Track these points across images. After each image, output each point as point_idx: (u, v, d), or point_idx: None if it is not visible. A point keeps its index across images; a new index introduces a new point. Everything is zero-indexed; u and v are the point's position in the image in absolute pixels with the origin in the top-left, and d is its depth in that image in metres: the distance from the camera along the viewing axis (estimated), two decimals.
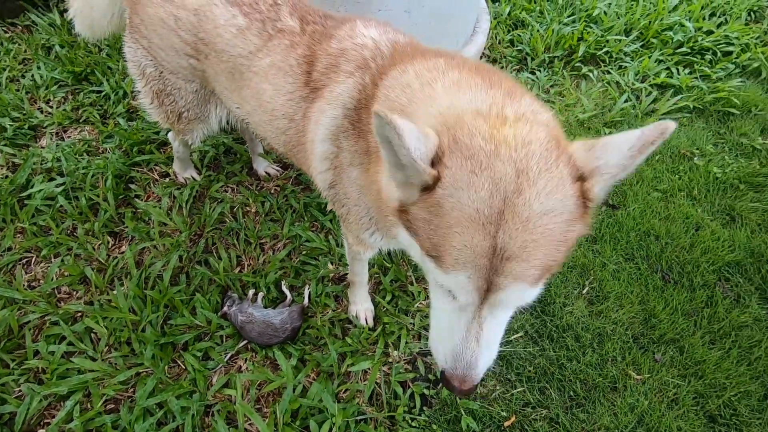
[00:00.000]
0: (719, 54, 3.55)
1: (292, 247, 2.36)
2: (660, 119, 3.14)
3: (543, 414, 1.86)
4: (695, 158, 2.86)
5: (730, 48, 3.54)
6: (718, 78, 3.37)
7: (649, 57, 3.45)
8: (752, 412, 1.86)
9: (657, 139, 0.83)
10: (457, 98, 1.01)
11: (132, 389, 1.88)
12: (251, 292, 2.15)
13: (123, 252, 2.29)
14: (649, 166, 2.81)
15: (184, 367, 1.96)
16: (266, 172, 2.69)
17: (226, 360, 1.98)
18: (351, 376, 1.98)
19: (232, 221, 2.44)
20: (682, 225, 2.47)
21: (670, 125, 0.83)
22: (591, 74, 3.44)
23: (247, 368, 1.97)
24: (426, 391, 1.92)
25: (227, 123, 2.03)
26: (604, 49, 3.55)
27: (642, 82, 3.37)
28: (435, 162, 0.89)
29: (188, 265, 2.25)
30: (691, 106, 3.19)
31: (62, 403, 1.80)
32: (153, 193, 2.56)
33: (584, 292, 2.22)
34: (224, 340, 2.05)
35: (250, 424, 1.82)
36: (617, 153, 0.86)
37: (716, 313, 2.13)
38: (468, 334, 0.94)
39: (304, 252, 2.34)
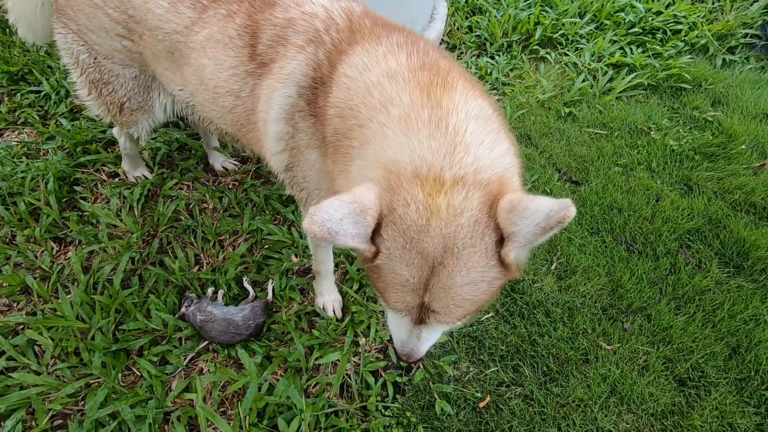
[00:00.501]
0: (669, 33, 3.65)
1: (254, 242, 2.26)
2: (617, 97, 3.19)
3: (517, 392, 1.83)
4: (652, 132, 2.92)
5: (679, 27, 3.64)
6: (669, 56, 3.47)
7: (603, 38, 3.52)
8: (719, 372, 1.89)
9: (557, 225, 0.83)
10: (400, 148, 0.97)
11: (82, 401, 1.74)
12: (210, 290, 2.04)
13: (69, 258, 2.14)
14: (609, 142, 2.84)
15: (139, 374, 1.83)
16: (223, 167, 2.58)
17: (185, 363, 1.87)
18: (320, 369, 1.90)
19: (188, 219, 2.32)
20: (643, 197, 2.50)
21: (569, 213, 0.81)
22: (549, 57, 3.47)
23: (208, 370, 1.86)
24: (399, 379, 1.86)
25: (173, 112, 1.91)
26: (560, 32, 3.59)
27: (598, 62, 3.42)
28: (375, 230, 0.93)
29: (141, 267, 2.11)
30: (646, 84, 3.26)
31: (2, 423, 1.64)
32: (101, 194, 2.40)
33: (552, 268, 2.21)
34: (183, 342, 1.94)
35: (214, 429, 1.72)
36: (529, 225, 0.86)
37: (680, 280, 2.16)
38: (411, 334, 1.12)
39: (266, 246, 2.25)
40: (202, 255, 2.23)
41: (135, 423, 1.65)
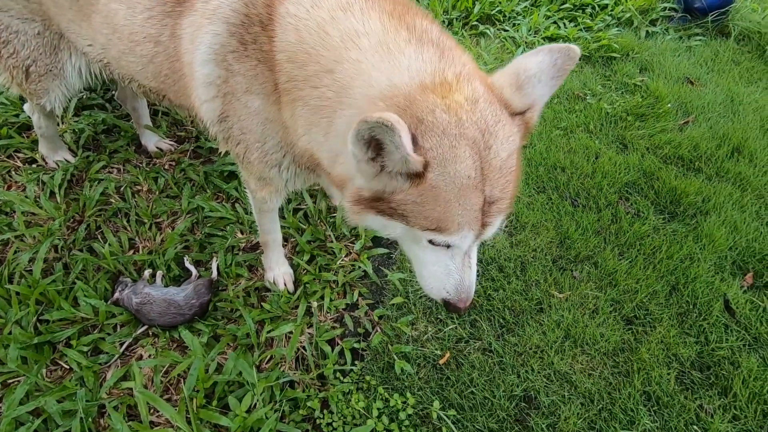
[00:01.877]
0: (597, 8, 3.84)
1: (194, 221, 2.12)
2: None
3: (476, 345, 1.83)
4: (587, 98, 3.04)
5: (606, 2, 3.84)
6: (598, 29, 3.64)
7: (538, 14, 3.64)
8: (661, 309, 1.98)
9: (569, 65, 0.99)
10: (393, 71, 0.99)
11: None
12: (147, 272, 1.88)
13: None
14: (549, 108, 2.93)
15: (68, 366, 1.65)
16: (158, 148, 2.40)
17: (121, 351, 1.70)
18: (273, 343, 1.80)
19: (120, 201, 2.14)
20: (584, 155, 2.59)
21: (574, 50, 0.98)
22: (488, 32, 3.54)
23: (149, 355, 1.71)
24: (356, 345, 1.80)
25: (90, 75, 1.73)
26: (498, 9, 3.68)
27: (534, 36, 3.53)
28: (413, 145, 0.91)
29: (66, 255, 1.91)
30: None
31: None
32: (15, 182, 2.16)
33: (503, 227, 2.23)
34: (118, 329, 1.77)
35: (158, 416, 1.58)
36: (542, 86, 1.00)
37: (621, 228, 2.25)
38: (463, 267, 1.10)
39: (208, 224, 2.11)
40: (137, 239, 2.05)
41: (62, 418, 1.48)
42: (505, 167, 0.98)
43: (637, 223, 2.27)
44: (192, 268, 1.93)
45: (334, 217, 2.20)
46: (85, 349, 1.67)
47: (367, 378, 1.69)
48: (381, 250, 2.11)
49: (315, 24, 1.06)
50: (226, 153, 1.65)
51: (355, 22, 1.03)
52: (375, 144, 0.90)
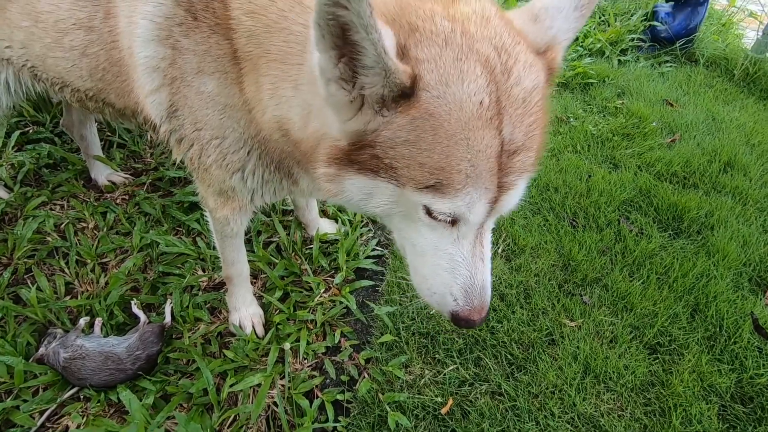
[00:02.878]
0: None
1: (147, 259, 1.82)
2: None
3: (483, 388, 1.53)
4: (571, 120, 2.97)
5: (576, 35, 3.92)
6: (572, 59, 3.67)
7: None
8: (686, 333, 1.74)
9: None
10: None
11: None
12: (82, 320, 1.56)
13: None
14: None
15: None
16: (110, 181, 2.14)
17: (39, 423, 1.34)
18: (238, 400, 1.47)
19: (58, 240, 1.83)
20: (575, 175, 2.45)
21: None
22: None
23: (77, 426, 1.35)
24: (340, 397, 1.48)
25: (23, 90, 1.49)
26: None
27: None
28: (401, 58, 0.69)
29: None
30: (557, 82, 3.38)
31: None
32: None
33: (500, 250, 2.01)
34: (38, 393, 1.41)
35: None
36: (565, 17, 0.81)
37: (627, 247, 2.06)
38: (473, 259, 0.84)
39: (164, 262, 1.82)
40: (76, 282, 1.74)
41: None
42: (530, 101, 0.74)
43: (643, 241, 2.09)
44: (140, 313, 1.62)
45: (311, 248, 1.94)
46: None
47: None
48: (365, 282, 1.84)
49: None
50: (188, 182, 1.40)
51: None
52: (348, 50, 0.65)
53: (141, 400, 1.38)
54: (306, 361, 1.61)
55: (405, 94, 0.69)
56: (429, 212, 0.79)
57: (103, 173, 2.13)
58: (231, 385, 1.45)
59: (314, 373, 1.57)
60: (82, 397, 1.42)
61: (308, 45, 0.70)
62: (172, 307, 1.66)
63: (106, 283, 1.73)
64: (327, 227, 2.00)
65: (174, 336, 1.61)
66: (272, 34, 0.90)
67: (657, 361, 1.66)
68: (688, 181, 2.52)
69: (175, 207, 2.03)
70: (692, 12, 3.72)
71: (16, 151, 2.19)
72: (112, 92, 1.20)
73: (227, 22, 0.92)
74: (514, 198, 0.80)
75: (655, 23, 3.91)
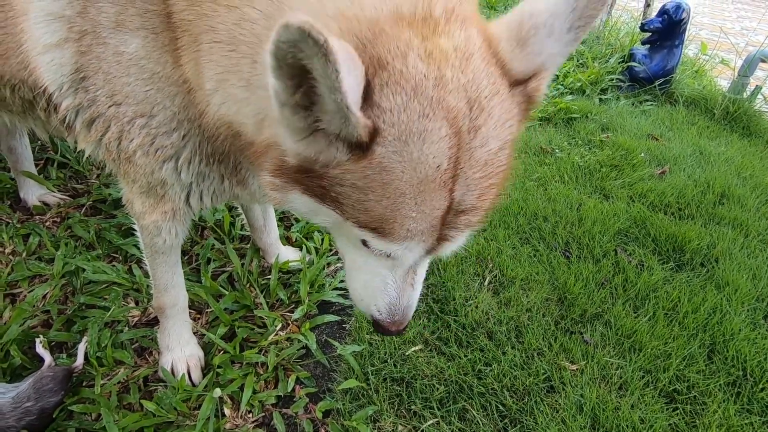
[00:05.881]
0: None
1: (68, 289, 1.52)
2: None
3: None
4: (557, 152, 2.85)
5: (556, 73, 3.94)
6: (552, 96, 3.65)
7: None
8: (705, 378, 1.48)
9: (595, 10, 0.67)
10: None
11: None
12: None
13: None
14: (518, 161, 2.69)
15: None
16: (42, 202, 1.87)
17: None
18: None
19: None
20: (565, 204, 2.28)
21: None
22: None
23: None
24: None
25: None
26: None
27: None
28: (363, 100, 0.62)
29: None
30: (540, 116, 3.32)
31: None
32: None
33: (486, 283, 1.77)
34: None
35: None
36: (556, 40, 0.69)
37: (628, 279, 1.84)
38: (404, 284, 0.86)
39: (88, 292, 1.52)
40: None
41: None
42: (491, 164, 0.69)
43: (645, 273, 1.87)
44: (45, 353, 1.30)
45: (269, 279, 1.67)
46: None
47: None
48: (330, 318, 1.56)
49: None
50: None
51: None
52: (307, 83, 0.56)
53: None
54: (250, 414, 1.29)
55: (361, 145, 0.63)
56: (365, 243, 0.77)
57: (33, 193, 1.87)
58: None
59: (259, 430, 1.25)
60: None
61: (267, 40, 0.52)
62: (87, 346, 1.34)
63: (10, 317, 1.41)
64: (289, 254, 1.74)
65: (85, 383, 1.29)
66: (221, 8, 0.72)
67: (677, 412, 1.38)
68: (684, 212, 2.37)
69: (113, 230, 1.75)
70: (668, 53, 3.78)
71: None
72: (11, 71, 0.98)
73: None
74: (452, 248, 0.80)
75: (634, 64, 3.96)
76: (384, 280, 0.84)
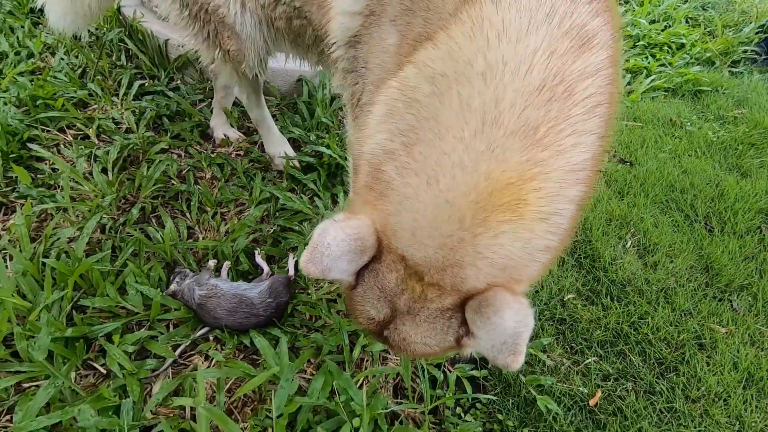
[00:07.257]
0: (674, 48, 3.70)
1: (266, 212, 1.78)
2: (640, 98, 3.08)
3: (629, 386, 1.38)
4: (687, 125, 2.77)
5: (683, 41, 3.71)
6: (678, 66, 3.47)
7: None
8: None
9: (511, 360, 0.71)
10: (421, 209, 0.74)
11: (7, 415, 1.12)
12: (211, 262, 1.52)
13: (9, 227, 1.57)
14: (647, 131, 2.66)
15: (104, 371, 1.24)
16: (225, 135, 2.13)
17: (177, 354, 1.30)
18: (362, 364, 1.38)
19: (180, 184, 1.82)
20: (702, 178, 2.26)
21: (514, 363, 0.70)
22: None
23: (214, 362, 1.30)
24: (475, 373, 1.37)
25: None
26: None
27: None
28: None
29: (115, 238, 1.57)
30: (665, 87, 3.19)
31: None
32: (64, 156, 1.88)
33: (629, 246, 1.86)
34: (171, 328, 1.38)
35: None
36: (486, 340, 0.73)
37: None
38: None
39: (282, 217, 1.77)
40: (197, 228, 1.71)
41: None
42: (411, 341, 0.80)
43: None
44: (264, 264, 1.57)
45: None
46: (131, 349, 1.27)
47: (500, 417, 1.25)
48: None
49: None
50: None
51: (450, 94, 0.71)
52: None
53: (274, 348, 1.32)
54: None
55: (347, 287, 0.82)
56: None
57: (220, 127, 2.13)
58: (363, 347, 1.36)
59: None
60: (212, 338, 1.37)
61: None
62: (296, 262, 1.60)
63: (227, 232, 1.69)
64: None
65: (297, 290, 1.55)
66: (444, 95, 0.70)
67: None
68: None
69: (291, 165, 1.99)
70: None
71: (132, 101, 2.22)
72: (315, 4, 1.18)
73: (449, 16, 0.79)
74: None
75: None
76: None
